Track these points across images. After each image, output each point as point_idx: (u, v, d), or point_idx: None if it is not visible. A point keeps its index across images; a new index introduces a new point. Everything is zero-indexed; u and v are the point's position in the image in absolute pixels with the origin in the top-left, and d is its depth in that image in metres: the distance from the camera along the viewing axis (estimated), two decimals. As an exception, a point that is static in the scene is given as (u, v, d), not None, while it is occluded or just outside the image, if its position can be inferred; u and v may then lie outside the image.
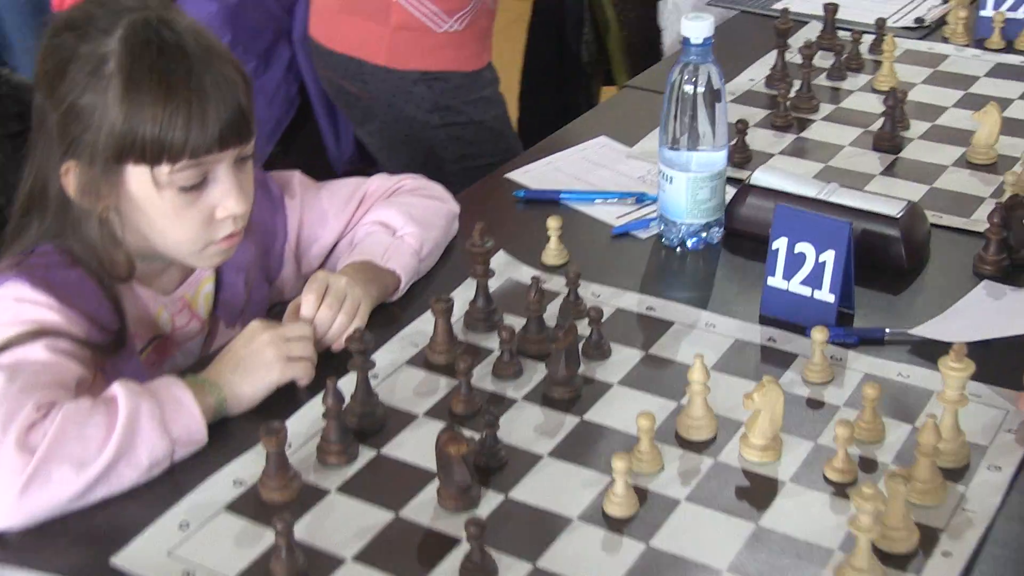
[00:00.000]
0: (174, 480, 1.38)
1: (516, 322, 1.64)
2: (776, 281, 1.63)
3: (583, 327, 1.61)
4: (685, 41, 1.70)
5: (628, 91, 2.36)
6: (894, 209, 1.74)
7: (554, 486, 1.37)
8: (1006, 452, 1.41)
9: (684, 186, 1.76)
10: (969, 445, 1.40)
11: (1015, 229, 1.73)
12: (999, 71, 2.37)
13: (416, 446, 1.43)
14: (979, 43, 2.49)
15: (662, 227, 1.83)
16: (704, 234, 1.81)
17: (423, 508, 1.34)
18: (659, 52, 3.07)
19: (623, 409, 1.49)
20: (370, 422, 1.45)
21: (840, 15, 2.49)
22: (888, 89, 2.23)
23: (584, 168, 2.04)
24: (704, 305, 1.69)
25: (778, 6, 2.64)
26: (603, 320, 1.57)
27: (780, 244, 1.62)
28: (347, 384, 1.47)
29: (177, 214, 1.48)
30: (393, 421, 1.47)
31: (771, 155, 2.07)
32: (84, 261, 1.48)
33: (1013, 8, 2.45)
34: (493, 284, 1.71)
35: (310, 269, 1.77)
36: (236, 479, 1.38)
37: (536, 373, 1.55)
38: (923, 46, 2.52)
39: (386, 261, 1.66)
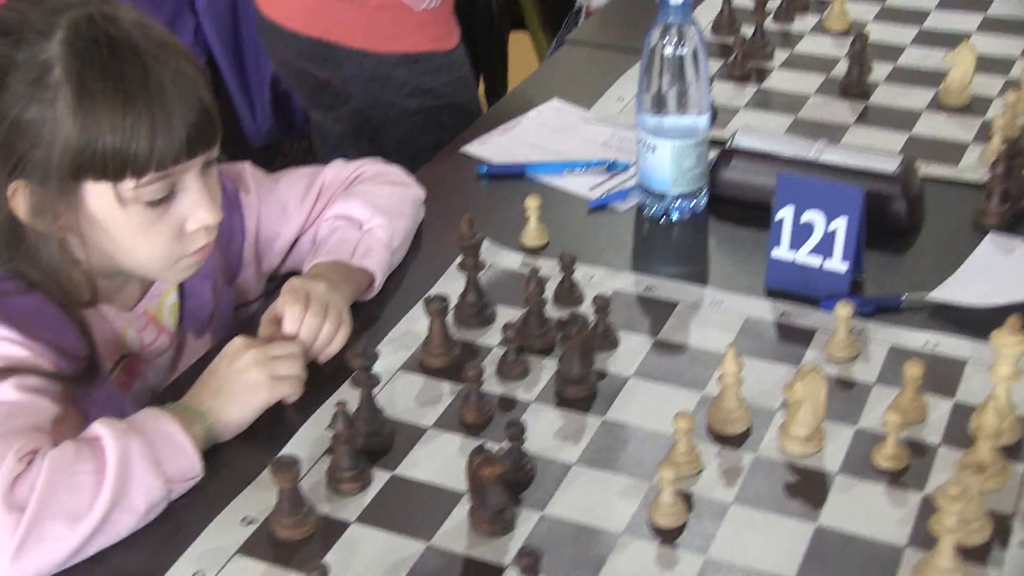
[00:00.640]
0: (175, 521, 1.31)
1: (509, 313, 1.59)
2: (782, 252, 1.60)
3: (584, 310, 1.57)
4: (663, 2, 1.65)
5: (570, 47, 2.29)
6: (890, 165, 1.72)
7: (591, 499, 1.33)
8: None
9: (669, 154, 1.72)
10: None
11: (1016, 178, 1.72)
12: (949, 2, 2.37)
13: (431, 463, 1.38)
14: None
15: (644, 198, 1.78)
16: (690, 203, 1.77)
17: (456, 534, 1.29)
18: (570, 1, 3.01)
19: (645, 404, 1.45)
20: (378, 442, 1.39)
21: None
22: (843, 29, 2.22)
23: (543, 135, 1.98)
24: (704, 281, 1.66)
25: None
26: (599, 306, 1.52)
27: (785, 214, 1.59)
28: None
29: (145, 230, 1.39)
30: (401, 437, 1.41)
31: (735, 110, 2.04)
32: (42, 286, 1.38)
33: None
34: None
35: (271, 268, 1.70)
36: (244, 517, 1.32)
37: (544, 371, 1.50)
38: None
39: (358, 259, 1.59)
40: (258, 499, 1.33)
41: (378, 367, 1.47)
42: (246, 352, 1.41)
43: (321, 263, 1.58)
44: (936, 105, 2.03)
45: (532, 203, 1.71)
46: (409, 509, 1.32)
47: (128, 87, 1.31)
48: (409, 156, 2.17)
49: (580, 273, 1.63)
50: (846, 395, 1.44)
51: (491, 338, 1.56)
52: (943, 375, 1.46)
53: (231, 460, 1.38)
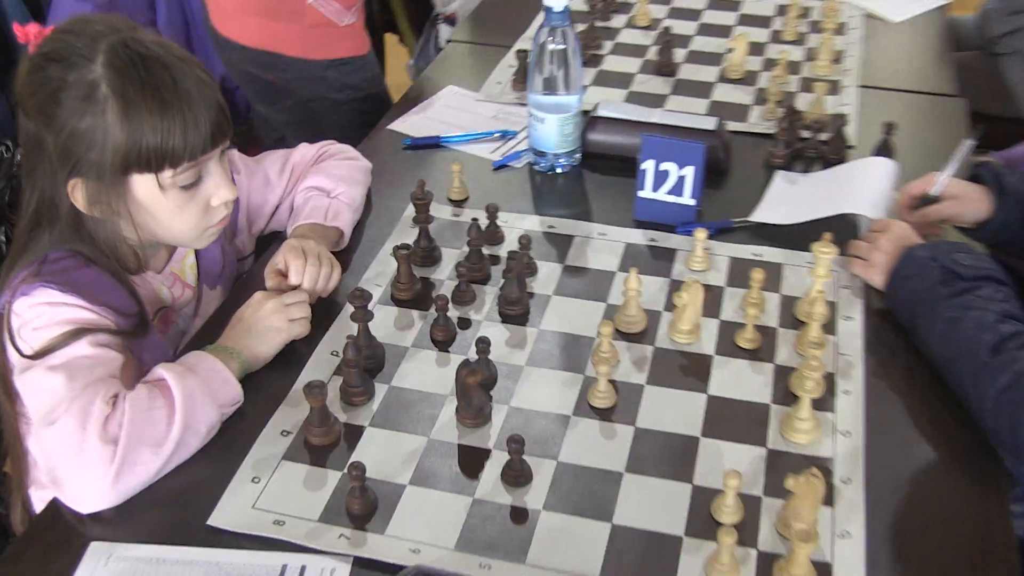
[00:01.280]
0: (229, 438, 1.18)
1: (450, 252, 1.47)
2: (646, 193, 1.52)
3: (505, 248, 1.46)
4: (548, 9, 1.52)
5: (453, 46, 2.13)
6: (710, 124, 1.65)
7: (542, 391, 1.25)
8: (851, 304, 1.37)
9: (555, 125, 1.61)
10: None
11: (793, 130, 1.68)
12: (715, 4, 2.28)
13: (416, 374, 1.27)
14: None
15: (534, 157, 1.67)
16: (569, 160, 1.66)
17: (447, 428, 1.19)
18: (430, 7, 2.83)
19: (567, 315, 1.37)
20: (375, 362, 1.28)
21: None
22: (646, 24, 2.14)
23: (447, 114, 1.84)
24: (590, 218, 1.56)
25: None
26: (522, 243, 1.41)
27: (648, 165, 1.50)
28: (336, 331, 1.28)
29: (180, 209, 1.23)
30: (389, 356, 1.30)
31: (585, 87, 1.91)
32: (98, 260, 1.22)
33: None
34: (410, 220, 1.52)
35: (259, 230, 1.55)
36: (282, 430, 1.19)
37: (486, 296, 1.39)
38: None
39: (330, 220, 1.45)
40: (289, 415, 1.21)
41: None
42: (267, 302, 1.28)
43: (302, 225, 1.44)
44: (723, 78, 1.95)
45: (455, 167, 1.58)
46: (407, 412, 1.22)
47: (162, 95, 1.15)
48: (342, 137, 2.02)
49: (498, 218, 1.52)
50: (707, 297, 1.36)
51: (440, 273, 1.44)
52: (769, 276, 1.40)
53: (262, 386, 1.24)
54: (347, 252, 1.48)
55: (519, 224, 1.53)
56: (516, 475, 1.11)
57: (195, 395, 1.13)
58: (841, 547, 1.04)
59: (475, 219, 1.42)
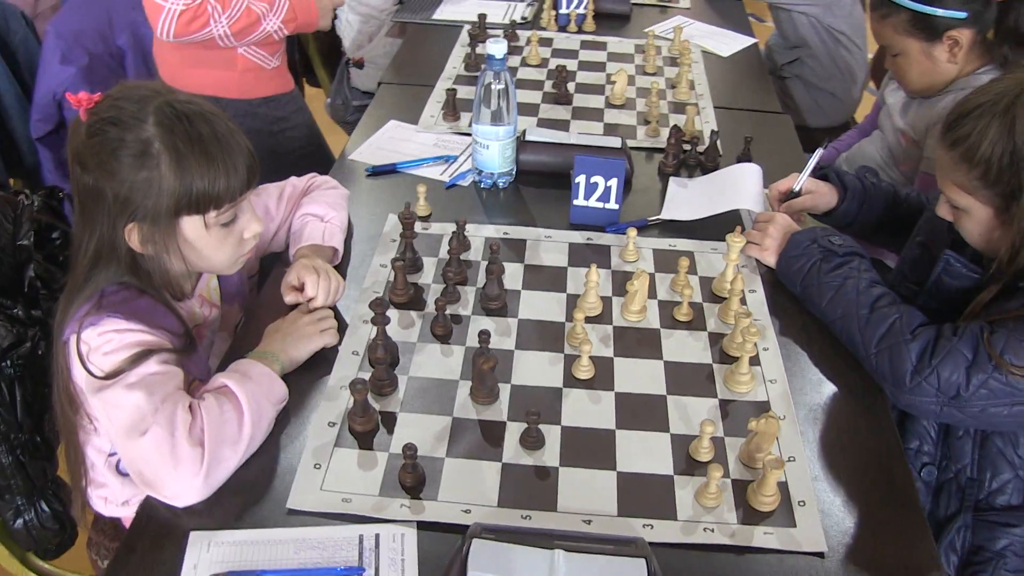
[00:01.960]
0: (286, 432, 1.13)
1: (428, 260, 1.44)
2: (580, 201, 1.54)
3: (472, 254, 1.45)
4: (490, 57, 1.51)
5: (385, 87, 2.07)
6: (616, 143, 1.68)
7: (533, 369, 1.25)
8: (752, 279, 1.44)
9: (498, 150, 1.60)
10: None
11: (678, 144, 1.73)
12: (585, 44, 2.31)
13: (429, 365, 1.25)
14: (563, 28, 2.38)
15: (478, 177, 1.66)
16: (508, 178, 1.66)
17: (465, 408, 1.18)
18: (341, 52, 2.74)
19: (536, 306, 1.37)
20: (393, 358, 1.24)
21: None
22: (538, 63, 2.15)
23: (395, 144, 1.79)
24: (535, 224, 1.56)
25: (436, 16, 2.42)
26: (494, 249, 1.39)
27: (581, 179, 1.52)
28: (352, 334, 1.23)
29: (220, 243, 1.16)
30: (402, 351, 1.26)
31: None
32: (149, 291, 1.13)
33: (577, 6, 2.38)
34: (394, 235, 1.49)
35: (262, 252, 1.46)
36: (328, 422, 1.15)
37: (467, 295, 1.38)
38: (545, 34, 2.33)
39: (326, 241, 1.40)
40: (331, 408, 1.16)
41: (364, 309, 1.32)
42: (302, 316, 1.26)
43: (303, 247, 1.38)
44: (608, 104, 1.99)
45: (421, 188, 1.55)
46: (429, 397, 1.19)
47: (207, 147, 1.08)
48: (280, 160, 1.99)
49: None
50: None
51: (425, 279, 1.41)
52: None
53: (301, 386, 1.19)
54: (341, 267, 1.43)
55: (480, 233, 1.52)
56: (534, 440, 1.11)
57: (255, 396, 1.08)
58: (791, 468, 1.10)
59: (454, 232, 1.41)
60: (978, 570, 1.25)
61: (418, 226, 1.52)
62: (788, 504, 1.05)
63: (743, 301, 1.37)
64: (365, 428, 1.13)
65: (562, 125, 1.89)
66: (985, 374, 1.13)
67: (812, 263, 1.35)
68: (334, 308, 1.31)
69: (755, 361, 1.26)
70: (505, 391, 1.20)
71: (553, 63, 2.16)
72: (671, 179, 1.70)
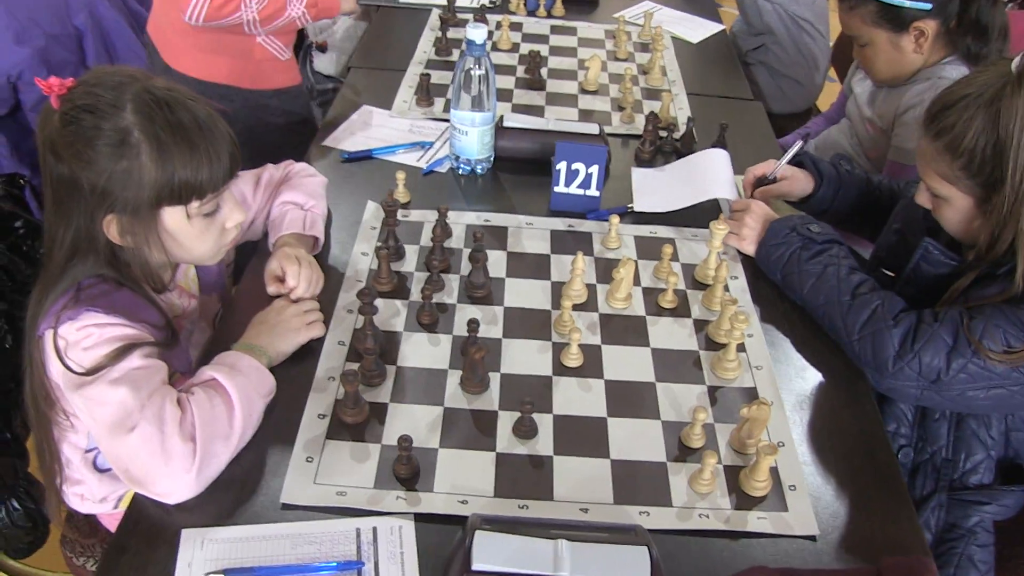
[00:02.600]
0: (276, 425, 1.10)
1: (409, 248, 1.42)
2: (560, 188, 1.54)
3: (454, 242, 1.44)
4: (470, 42, 1.49)
5: (355, 71, 2.03)
6: (593, 129, 1.68)
7: (523, 357, 1.24)
8: (734, 266, 1.45)
9: (476, 136, 1.58)
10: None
11: (654, 131, 1.74)
12: (555, 29, 2.30)
13: (416, 355, 1.23)
14: (532, 13, 2.36)
15: (457, 163, 1.64)
16: (487, 164, 1.64)
17: (456, 397, 1.17)
18: (304, 36, 2.68)
19: (522, 293, 1.36)
20: (381, 348, 1.22)
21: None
22: (509, 48, 2.13)
23: (369, 130, 1.76)
24: (514, 211, 1.56)
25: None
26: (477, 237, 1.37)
27: (561, 165, 1.51)
28: (337, 324, 1.21)
29: (202, 234, 1.13)
30: (388, 340, 1.24)
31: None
32: (128, 284, 1.09)
33: (544, -10, 2.37)
34: (373, 223, 1.47)
35: (237, 240, 1.40)
36: (319, 414, 1.13)
37: (451, 283, 1.36)
38: (515, 18, 2.30)
39: (308, 230, 1.37)
40: (320, 400, 1.14)
41: (350, 298, 1.30)
42: (288, 308, 1.23)
43: (284, 235, 1.35)
44: (582, 90, 1.98)
45: (400, 175, 1.53)
46: (418, 387, 1.18)
47: (188, 135, 1.04)
48: (277, 149, 1.90)
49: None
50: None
51: (408, 266, 1.39)
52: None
53: (289, 377, 1.17)
54: (321, 256, 1.40)
55: (461, 220, 1.51)
56: (527, 429, 1.11)
57: (245, 389, 1.06)
58: (782, 454, 1.12)
59: (437, 220, 1.39)
60: (951, 546, 1.29)
61: (399, 213, 1.50)
62: (780, 489, 1.07)
63: (726, 288, 1.38)
64: (356, 419, 1.11)
65: (537, 111, 1.88)
66: (964, 359, 1.16)
67: (792, 251, 1.37)
68: (317, 299, 1.29)
69: (741, 348, 1.27)
70: (495, 380, 1.19)
71: (524, 48, 2.14)
72: (634, 170, 1.70)
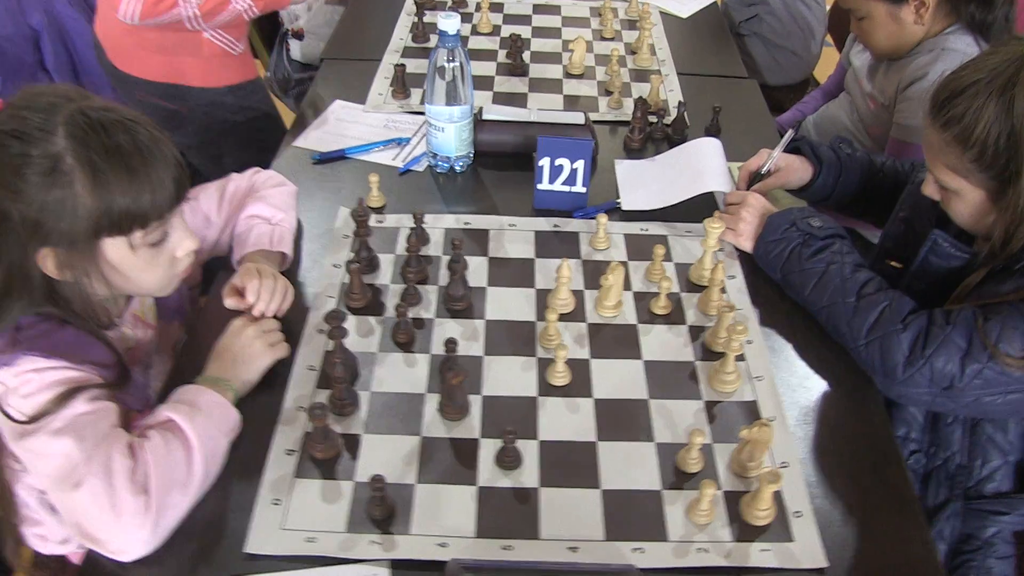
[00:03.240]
0: (242, 464, 1.02)
1: (384, 258, 1.34)
2: (544, 185, 1.45)
3: (432, 248, 1.35)
4: (443, 33, 1.39)
5: (327, 63, 1.93)
6: (579, 119, 1.59)
7: (506, 377, 1.16)
8: (730, 264, 1.36)
9: (453, 132, 1.49)
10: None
11: (644, 119, 1.64)
12: (537, 9, 2.18)
13: (391, 378, 1.15)
14: None
15: (434, 161, 1.54)
16: (466, 161, 1.55)
17: (435, 425, 1.09)
18: (278, 23, 2.57)
19: (504, 304, 1.27)
20: (353, 374, 1.14)
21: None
22: (489, 31, 2.02)
23: (341, 127, 1.67)
24: (496, 211, 1.46)
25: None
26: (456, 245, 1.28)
27: (544, 162, 1.42)
28: (307, 347, 1.13)
29: (149, 265, 1.04)
30: (361, 363, 1.16)
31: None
32: (71, 321, 1.01)
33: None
34: (346, 231, 1.38)
35: (203, 260, 1.34)
36: (286, 450, 1.05)
37: (429, 295, 1.28)
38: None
39: (275, 246, 1.28)
40: (288, 434, 1.07)
41: (318, 317, 1.22)
42: (246, 330, 1.13)
43: (250, 253, 1.26)
44: (567, 75, 1.88)
45: (373, 178, 1.44)
46: (394, 415, 1.10)
47: (128, 160, 0.95)
48: (238, 148, 1.81)
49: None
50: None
51: (383, 279, 1.31)
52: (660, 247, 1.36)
53: (254, 408, 1.09)
54: (291, 270, 1.31)
55: (439, 224, 1.42)
56: (511, 459, 1.03)
57: (206, 430, 0.98)
58: (785, 475, 1.03)
59: (413, 228, 1.30)
60: (967, 559, 1.22)
61: (372, 219, 1.41)
62: (784, 516, 0.99)
63: (723, 290, 1.30)
64: (327, 455, 1.03)
65: (520, 99, 1.78)
66: (980, 364, 1.08)
67: (792, 248, 1.28)
68: (279, 318, 1.21)
69: (740, 356, 1.18)
70: (476, 403, 1.11)
71: (506, 30, 2.04)
72: (618, 163, 1.60)
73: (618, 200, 1.48)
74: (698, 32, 2.14)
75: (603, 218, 1.36)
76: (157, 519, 0.91)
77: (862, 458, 1.07)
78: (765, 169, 1.47)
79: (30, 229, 0.93)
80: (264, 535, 0.94)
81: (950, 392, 1.10)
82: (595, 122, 1.69)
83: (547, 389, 1.14)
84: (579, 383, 1.14)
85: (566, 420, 1.09)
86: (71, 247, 0.95)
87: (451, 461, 1.04)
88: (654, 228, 1.43)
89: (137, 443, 0.95)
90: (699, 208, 1.46)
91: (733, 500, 1.01)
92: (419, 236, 1.34)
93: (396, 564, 0.92)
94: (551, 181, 1.44)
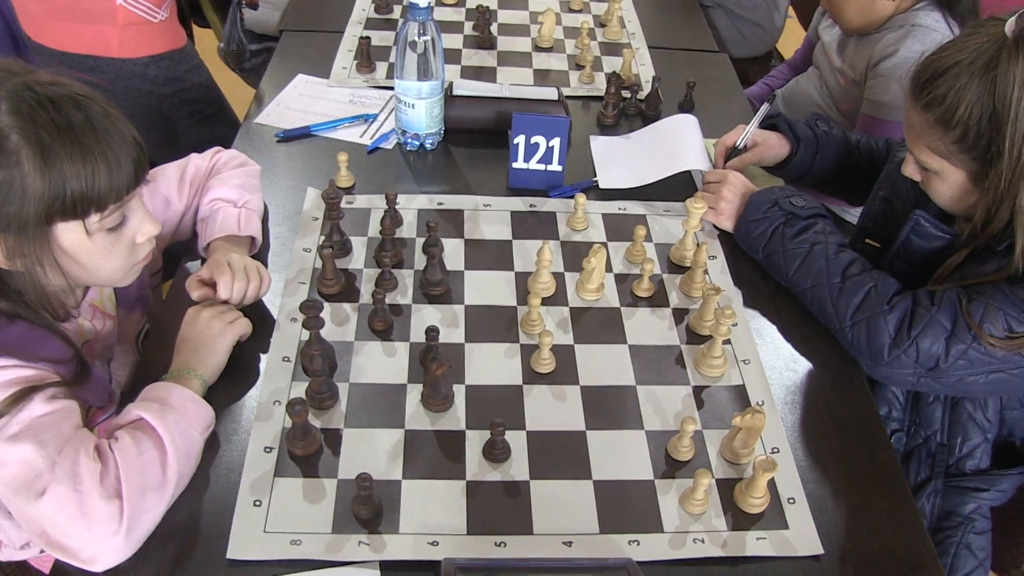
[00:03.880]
0: (213, 464, 0.97)
1: (356, 241, 1.28)
2: (519, 164, 1.40)
3: (406, 230, 1.30)
4: (413, 6, 1.33)
5: (288, 35, 1.84)
6: (552, 95, 1.54)
7: (489, 365, 1.12)
8: (711, 244, 1.34)
9: (424, 109, 1.43)
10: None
11: (617, 94, 1.60)
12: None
13: (371, 368, 1.10)
14: None
15: (403, 138, 1.49)
16: (437, 138, 1.49)
17: (418, 417, 1.04)
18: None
19: (483, 288, 1.23)
20: (331, 365, 1.09)
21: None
22: (455, 2, 1.95)
23: (304, 102, 1.59)
24: (470, 191, 1.42)
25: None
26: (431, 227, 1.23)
27: (520, 139, 1.38)
28: (280, 337, 1.08)
29: (107, 251, 0.97)
30: (338, 352, 1.11)
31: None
32: (23, 314, 0.93)
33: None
34: (315, 213, 1.32)
35: (164, 245, 1.26)
36: (264, 447, 1.00)
37: (405, 280, 1.23)
38: None
39: (243, 230, 1.21)
40: (265, 430, 1.01)
41: (291, 305, 1.16)
42: (201, 313, 1.07)
43: (217, 239, 1.20)
44: (536, 48, 1.83)
45: (342, 156, 1.37)
46: (375, 407, 1.05)
47: (80, 138, 0.88)
48: (171, 126, 1.72)
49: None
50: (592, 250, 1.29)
51: (356, 263, 1.25)
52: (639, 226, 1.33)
53: (229, 403, 1.04)
54: (260, 255, 1.25)
55: (411, 205, 1.36)
56: (499, 452, 0.99)
57: (178, 428, 0.92)
58: (777, 461, 1.02)
59: (385, 211, 1.25)
60: (948, 535, 1.23)
61: (343, 201, 1.35)
62: (778, 503, 0.98)
63: (705, 272, 1.27)
64: (307, 451, 0.98)
65: (489, 73, 1.72)
66: (964, 344, 1.08)
67: (774, 227, 1.26)
68: (260, 308, 1.15)
69: (726, 340, 1.17)
70: (460, 393, 1.07)
71: (471, 1, 1.97)
72: (593, 139, 1.56)
73: (594, 178, 1.45)
74: (666, 4, 2.10)
75: (581, 198, 1.32)
76: (131, 525, 0.85)
77: (851, 442, 1.06)
78: (741, 144, 1.44)
79: None
80: (246, 539, 0.90)
81: (935, 372, 1.10)
82: (567, 97, 1.64)
83: (532, 377, 1.10)
84: (564, 370, 1.11)
85: (553, 408, 1.06)
86: (20, 233, 0.88)
87: (437, 455, 1.00)
88: (632, 207, 1.40)
89: (105, 445, 0.89)
90: (677, 186, 1.43)
91: (726, 489, 0.99)
92: (392, 218, 1.29)
93: (385, 565, 0.89)
94: (526, 159, 1.39)
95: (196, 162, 1.27)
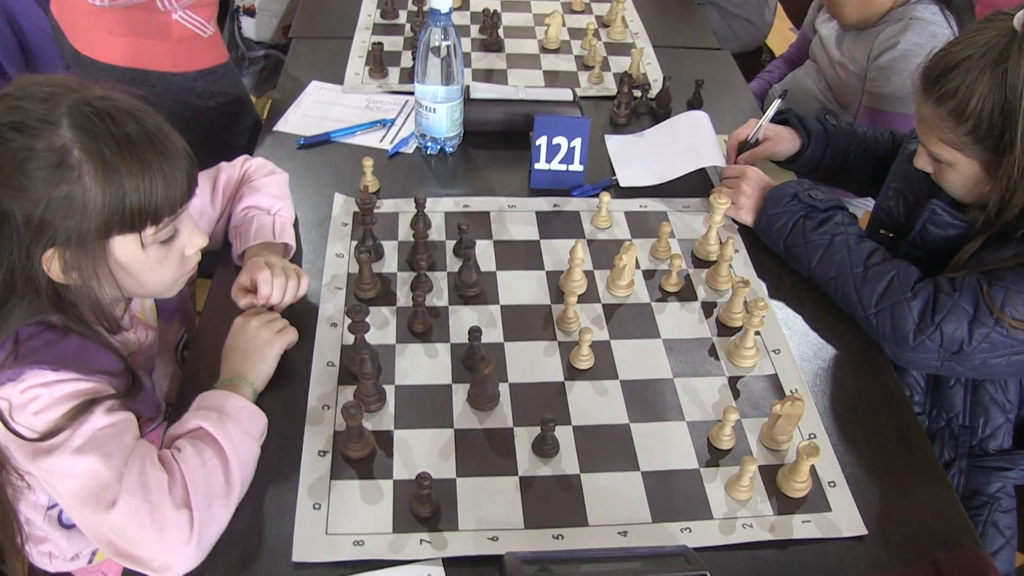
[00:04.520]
0: (271, 469, 0.98)
1: (387, 245, 1.30)
2: (541, 165, 1.42)
3: (435, 233, 1.32)
4: (434, 12, 1.34)
5: (297, 42, 1.84)
6: (568, 96, 1.56)
7: (531, 364, 1.14)
8: (734, 237, 1.35)
9: (445, 113, 1.45)
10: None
11: (629, 93, 1.63)
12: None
13: (415, 370, 1.12)
14: None
15: (423, 142, 1.50)
16: (456, 141, 1.51)
17: (466, 417, 1.07)
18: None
19: (517, 288, 1.25)
20: (377, 366, 1.09)
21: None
22: (457, 5, 1.96)
23: (321, 109, 1.60)
24: (494, 192, 1.43)
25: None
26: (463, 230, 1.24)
27: (542, 141, 1.40)
28: (322, 342, 1.10)
29: (160, 263, 0.98)
30: (381, 355, 1.12)
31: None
32: (76, 328, 0.94)
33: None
34: (344, 218, 1.33)
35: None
36: (319, 451, 1.01)
37: (440, 283, 1.25)
38: None
39: (278, 237, 1.23)
40: (318, 434, 1.03)
41: (331, 310, 1.18)
42: (250, 322, 1.08)
43: (253, 246, 1.21)
44: (542, 49, 1.85)
45: (367, 162, 1.39)
46: (423, 408, 1.07)
47: (138, 151, 0.89)
48: (208, 135, 1.72)
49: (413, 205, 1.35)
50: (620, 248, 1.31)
51: (389, 267, 1.27)
52: (656, 223, 1.35)
53: (279, 409, 1.05)
54: (294, 261, 1.26)
55: (438, 207, 1.38)
56: (549, 447, 1.02)
57: (237, 436, 0.94)
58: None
59: (416, 214, 1.26)
60: (974, 514, 1.27)
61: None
62: (819, 486, 1.01)
63: (729, 265, 1.30)
64: (361, 454, 1.00)
65: (499, 76, 1.74)
66: (987, 328, 1.11)
67: (795, 220, 1.29)
68: (301, 314, 1.16)
69: (757, 331, 1.19)
70: (504, 391, 1.09)
71: (476, 4, 1.99)
72: (608, 138, 1.59)
73: (614, 177, 1.47)
74: (665, 3, 2.13)
75: (606, 197, 1.35)
76: (201, 533, 0.87)
77: (882, 424, 1.10)
78: (753, 138, 1.47)
79: (35, 229, 0.87)
80: (309, 542, 0.91)
81: (959, 356, 1.14)
82: (579, 97, 1.67)
83: (573, 373, 1.12)
84: (603, 365, 1.14)
85: (596, 404, 1.09)
86: (79, 247, 0.89)
87: (487, 452, 1.02)
88: (652, 204, 1.43)
89: (168, 455, 0.90)
90: (694, 183, 1.46)
91: (769, 474, 1.02)
92: (424, 222, 1.30)
93: (448, 562, 0.91)
94: (548, 160, 1.42)
95: (227, 171, 1.28)
